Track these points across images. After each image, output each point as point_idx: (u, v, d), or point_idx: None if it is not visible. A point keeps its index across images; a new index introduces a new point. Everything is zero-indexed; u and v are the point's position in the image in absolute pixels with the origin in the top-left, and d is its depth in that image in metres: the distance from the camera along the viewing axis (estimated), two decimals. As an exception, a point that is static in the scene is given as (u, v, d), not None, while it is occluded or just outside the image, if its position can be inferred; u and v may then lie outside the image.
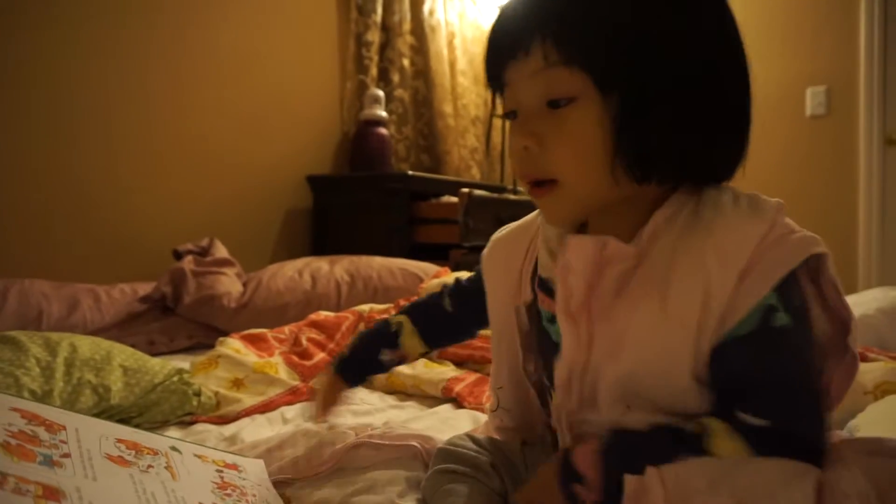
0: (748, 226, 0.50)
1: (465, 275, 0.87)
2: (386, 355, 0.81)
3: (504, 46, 0.54)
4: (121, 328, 1.55)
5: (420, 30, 3.01)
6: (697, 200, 0.53)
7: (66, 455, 0.48)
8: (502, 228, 0.72)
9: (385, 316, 0.99)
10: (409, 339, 0.81)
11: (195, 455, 0.65)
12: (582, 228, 0.60)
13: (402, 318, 0.82)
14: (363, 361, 0.83)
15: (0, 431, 0.46)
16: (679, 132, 0.51)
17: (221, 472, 0.64)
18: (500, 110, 0.58)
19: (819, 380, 0.51)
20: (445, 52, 3.11)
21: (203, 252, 1.89)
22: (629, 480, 0.47)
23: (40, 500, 0.39)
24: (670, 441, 0.50)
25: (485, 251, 0.70)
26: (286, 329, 1.42)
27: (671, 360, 0.51)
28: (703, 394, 0.52)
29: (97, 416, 0.87)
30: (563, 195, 0.53)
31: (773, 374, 0.50)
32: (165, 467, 0.57)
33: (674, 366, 0.51)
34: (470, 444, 0.70)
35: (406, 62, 2.93)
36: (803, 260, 0.49)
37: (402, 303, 1.57)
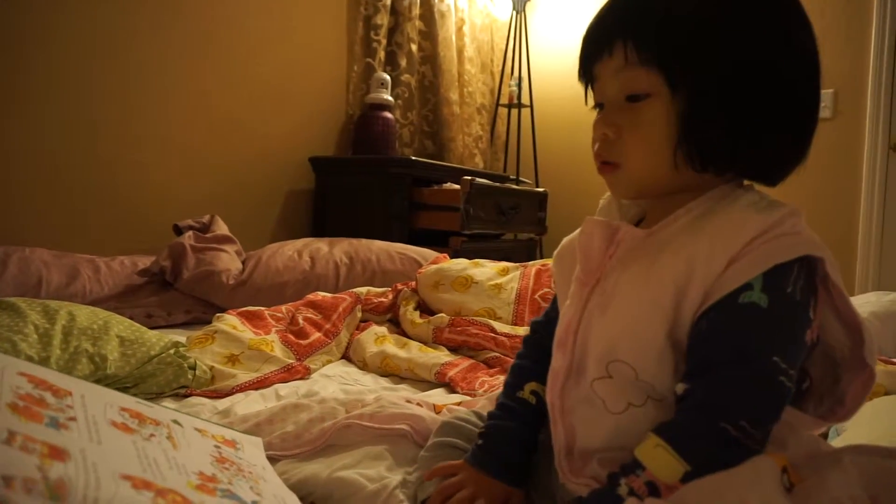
0: (751, 218, 0.54)
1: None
2: (542, 433, 0.68)
3: (593, 45, 0.61)
4: (119, 300, 1.56)
5: (429, 15, 3.00)
6: (725, 197, 0.57)
7: (72, 419, 0.49)
8: (572, 233, 0.72)
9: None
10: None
11: (196, 429, 0.66)
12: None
13: (535, 385, 0.69)
14: (528, 453, 0.68)
15: (9, 393, 0.47)
16: (735, 132, 0.56)
17: (219, 447, 0.65)
18: (591, 103, 0.66)
19: (775, 368, 0.50)
20: (454, 38, 3.10)
21: (203, 228, 1.89)
22: None
23: (46, 458, 0.40)
24: (613, 491, 0.51)
25: (555, 253, 0.72)
26: (283, 308, 1.43)
27: (648, 315, 0.55)
28: (675, 364, 0.54)
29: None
30: (624, 177, 0.60)
31: (719, 342, 0.52)
32: (167, 437, 0.58)
33: (650, 322, 0.55)
34: (474, 420, 0.71)
35: (414, 47, 2.92)
36: (798, 257, 0.51)
37: (400, 287, 1.59)
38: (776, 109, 0.56)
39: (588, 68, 0.63)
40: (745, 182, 0.60)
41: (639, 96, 0.57)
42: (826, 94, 2.80)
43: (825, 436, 0.79)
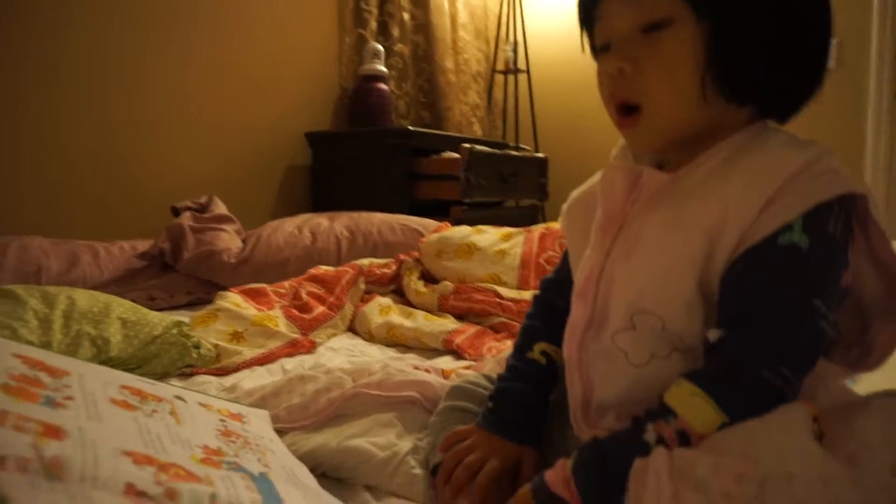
0: (786, 156, 0.51)
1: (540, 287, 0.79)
2: (553, 394, 0.67)
3: None
4: (120, 284, 1.55)
5: (420, -19, 2.93)
6: (755, 138, 0.55)
7: (70, 398, 0.48)
8: (581, 186, 0.70)
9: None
10: (559, 356, 0.67)
11: (200, 403, 0.64)
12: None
13: (544, 345, 0.68)
14: (539, 413, 0.67)
15: (2, 374, 0.46)
16: (765, 58, 0.53)
17: (225, 421, 0.64)
18: (586, 49, 0.62)
19: (816, 312, 0.48)
20: (446, 5, 3.04)
21: (202, 209, 1.87)
22: (636, 463, 0.46)
23: (41, 437, 0.39)
24: (638, 436, 0.49)
25: (563, 207, 0.69)
26: (286, 284, 1.41)
27: (677, 264, 0.52)
28: (705, 314, 0.52)
29: (99, 366, 0.87)
30: (650, 123, 0.56)
31: (758, 287, 0.49)
32: (170, 413, 0.57)
33: (680, 271, 0.52)
34: (484, 383, 0.70)
35: (406, 16, 2.85)
36: (839, 195, 0.49)
37: (403, 257, 1.57)
38: (798, 36, 0.53)
39: (591, 6, 0.59)
40: (771, 123, 0.57)
41: (658, 24, 0.53)
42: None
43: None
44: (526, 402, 0.65)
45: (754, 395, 0.48)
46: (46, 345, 0.94)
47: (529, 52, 3.23)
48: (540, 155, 2.84)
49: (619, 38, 0.56)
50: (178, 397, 0.62)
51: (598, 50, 0.60)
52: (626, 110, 0.57)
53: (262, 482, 0.50)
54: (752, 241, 0.49)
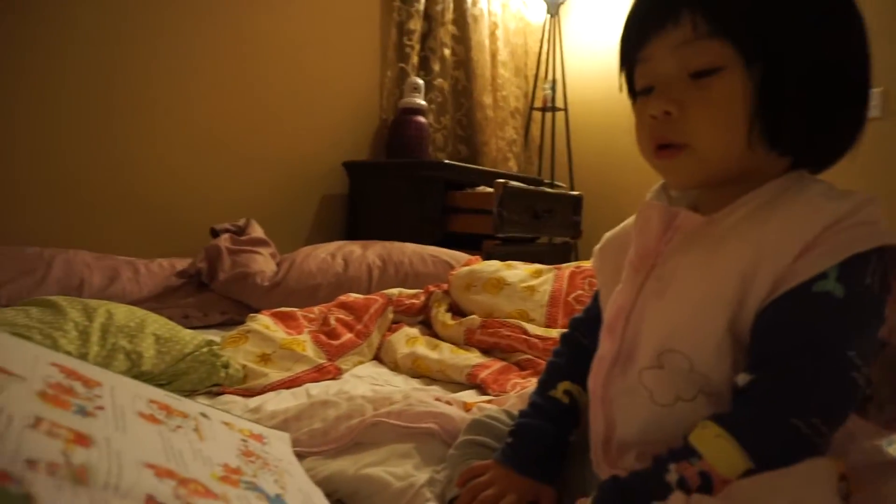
0: (826, 205, 0.51)
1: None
2: (573, 435, 0.67)
3: (650, 18, 0.57)
4: (157, 301, 1.59)
5: (462, 19, 3.00)
6: (791, 186, 0.54)
7: (100, 408, 0.49)
8: (615, 228, 0.71)
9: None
10: (583, 397, 0.67)
11: (223, 422, 0.66)
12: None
13: (568, 385, 0.67)
14: (558, 451, 0.66)
15: (39, 381, 0.48)
16: (806, 108, 0.53)
17: (246, 441, 0.65)
18: (624, 90, 0.62)
19: (849, 363, 0.47)
20: (487, 42, 3.10)
21: (239, 231, 1.92)
22: None
23: (70, 443, 0.40)
24: (660, 476, 0.49)
25: (596, 248, 0.70)
26: (316, 309, 1.43)
27: (709, 305, 0.52)
28: (734, 357, 0.52)
29: (130, 380, 0.89)
30: (694, 159, 0.56)
31: (790, 333, 0.49)
32: (194, 429, 0.58)
33: (711, 311, 0.52)
34: (504, 419, 0.70)
35: (447, 52, 2.92)
36: (877, 247, 0.49)
37: (432, 288, 1.58)
38: (843, 85, 0.54)
39: (633, 49, 0.59)
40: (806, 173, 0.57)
41: (707, 71, 0.54)
42: (875, 93, 2.70)
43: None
44: (546, 439, 0.65)
45: (783, 442, 0.47)
46: (84, 356, 0.97)
47: (568, 90, 3.26)
48: (574, 193, 2.84)
49: (664, 81, 0.56)
50: (203, 414, 0.64)
51: (639, 92, 0.60)
52: (666, 147, 0.57)
53: (278, 504, 0.50)
54: (786, 287, 0.49)
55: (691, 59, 0.54)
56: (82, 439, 0.42)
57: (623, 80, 0.63)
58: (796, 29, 0.52)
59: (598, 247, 0.69)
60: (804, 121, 0.54)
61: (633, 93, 0.62)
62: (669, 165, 0.58)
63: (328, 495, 0.64)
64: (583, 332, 0.71)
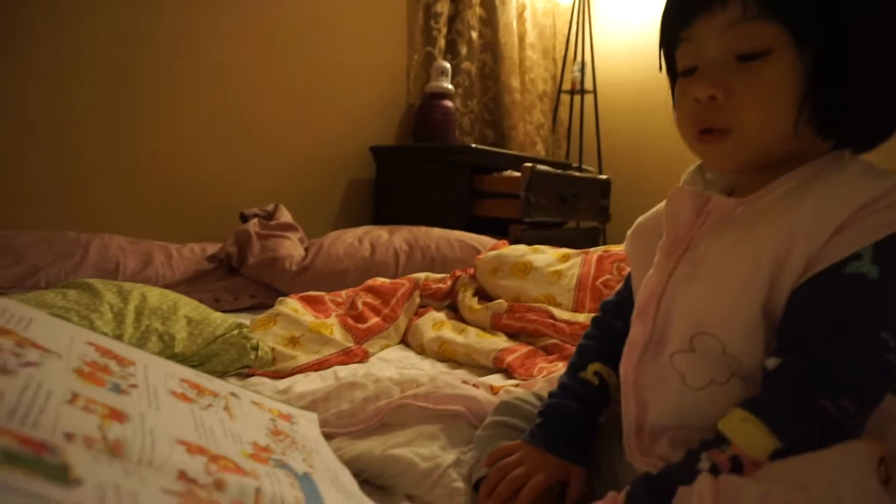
0: (861, 185, 0.49)
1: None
2: (603, 416, 0.67)
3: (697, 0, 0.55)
4: (189, 284, 1.63)
5: (490, 1, 2.97)
6: (828, 166, 0.53)
7: (134, 386, 0.51)
8: (647, 212, 0.70)
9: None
10: (612, 379, 0.67)
11: (252, 402, 0.67)
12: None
13: (598, 366, 0.67)
14: (587, 432, 0.66)
15: (76, 359, 0.50)
16: (867, 90, 0.52)
17: (275, 420, 0.66)
18: (663, 70, 0.61)
19: (882, 345, 0.46)
20: (515, 24, 3.06)
21: (268, 216, 1.95)
22: (680, 490, 0.46)
23: (106, 419, 0.41)
24: (691, 467, 0.48)
25: (629, 232, 0.69)
26: (343, 293, 1.45)
27: (742, 287, 0.51)
28: (767, 339, 0.51)
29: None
30: (737, 144, 0.54)
31: (820, 314, 0.48)
32: (224, 408, 0.60)
33: (744, 293, 0.51)
34: (533, 401, 0.70)
35: (474, 34, 2.89)
36: None
37: (459, 273, 1.58)
38: (893, 70, 0.52)
39: (677, 29, 0.57)
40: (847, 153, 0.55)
41: (756, 54, 0.52)
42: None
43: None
44: (575, 419, 0.65)
45: (809, 422, 0.46)
46: (119, 337, 0.99)
47: (597, 72, 3.21)
48: (603, 177, 2.81)
49: (708, 63, 0.55)
50: (233, 394, 0.65)
51: (680, 73, 0.58)
52: (709, 131, 0.56)
53: (306, 482, 0.51)
54: (818, 268, 0.48)
55: (739, 41, 0.52)
56: (117, 415, 0.43)
57: (662, 59, 0.61)
58: (854, 10, 0.50)
59: (630, 231, 0.69)
60: (858, 103, 0.52)
61: (672, 73, 0.61)
62: (712, 150, 0.57)
63: (355, 475, 0.65)
64: (614, 315, 0.71)
